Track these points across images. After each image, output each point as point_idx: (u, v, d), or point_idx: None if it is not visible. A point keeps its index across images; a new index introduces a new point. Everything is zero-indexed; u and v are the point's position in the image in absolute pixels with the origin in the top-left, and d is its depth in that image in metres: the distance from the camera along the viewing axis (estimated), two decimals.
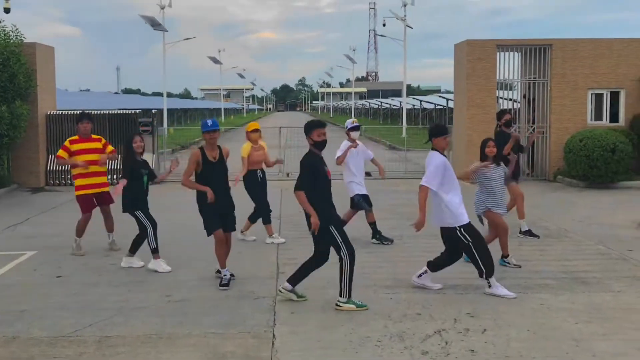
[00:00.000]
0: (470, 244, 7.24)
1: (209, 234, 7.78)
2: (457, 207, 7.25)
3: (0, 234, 11.02)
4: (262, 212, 10.03)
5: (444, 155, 7.43)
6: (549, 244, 9.98)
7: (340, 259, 6.88)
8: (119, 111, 18.26)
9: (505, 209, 8.68)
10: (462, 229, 7.23)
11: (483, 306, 6.96)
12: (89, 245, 9.52)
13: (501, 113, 10.98)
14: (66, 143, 9.55)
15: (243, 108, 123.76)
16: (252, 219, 10.19)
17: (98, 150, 9.55)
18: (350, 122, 10.17)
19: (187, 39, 36.36)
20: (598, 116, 17.47)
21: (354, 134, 9.96)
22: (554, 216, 12.09)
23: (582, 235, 10.50)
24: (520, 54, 18.21)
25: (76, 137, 9.62)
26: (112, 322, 6.56)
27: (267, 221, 10.06)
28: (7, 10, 24.01)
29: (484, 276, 7.31)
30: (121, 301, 7.25)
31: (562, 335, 6.14)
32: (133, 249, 8.67)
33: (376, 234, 9.97)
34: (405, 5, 36.95)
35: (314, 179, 6.82)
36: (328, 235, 6.85)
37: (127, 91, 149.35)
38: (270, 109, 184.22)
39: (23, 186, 16.42)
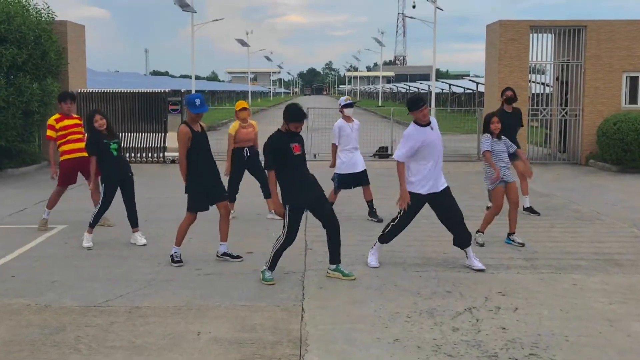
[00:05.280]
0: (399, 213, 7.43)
1: (190, 211, 7.65)
2: (413, 175, 7.23)
3: (30, 209, 11.16)
4: (229, 190, 9.48)
5: (424, 125, 7.18)
6: (581, 226, 9.81)
7: (278, 238, 6.95)
8: (148, 90, 18.35)
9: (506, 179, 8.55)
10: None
11: (514, 285, 6.87)
12: (118, 220, 9.58)
13: (503, 90, 10.85)
14: (51, 122, 9.61)
15: (270, 91, 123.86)
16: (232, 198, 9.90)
17: (79, 125, 9.77)
18: (343, 99, 10.32)
19: (216, 20, 36.22)
20: (633, 99, 17.07)
21: (348, 111, 10.09)
22: (586, 199, 11.87)
23: (615, 218, 10.30)
24: (553, 35, 17.88)
25: (59, 115, 9.72)
26: (143, 294, 6.60)
27: (232, 200, 9.77)
28: None
29: (379, 240, 7.62)
30: (151, 274, 7.30)
31: (595, 315, 6.03)
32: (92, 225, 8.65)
33: (371, 211, 10.19)
34: None
35: (280, 158, 6.76)
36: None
37: (155, 73, 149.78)
38: (296, 92, 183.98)
39: None
